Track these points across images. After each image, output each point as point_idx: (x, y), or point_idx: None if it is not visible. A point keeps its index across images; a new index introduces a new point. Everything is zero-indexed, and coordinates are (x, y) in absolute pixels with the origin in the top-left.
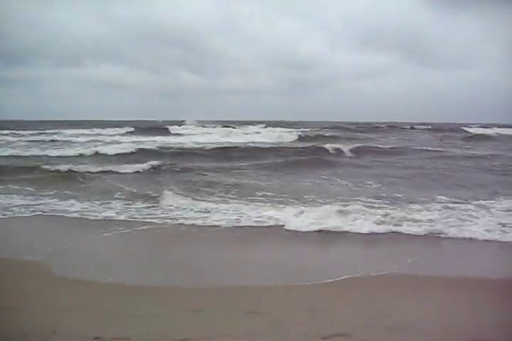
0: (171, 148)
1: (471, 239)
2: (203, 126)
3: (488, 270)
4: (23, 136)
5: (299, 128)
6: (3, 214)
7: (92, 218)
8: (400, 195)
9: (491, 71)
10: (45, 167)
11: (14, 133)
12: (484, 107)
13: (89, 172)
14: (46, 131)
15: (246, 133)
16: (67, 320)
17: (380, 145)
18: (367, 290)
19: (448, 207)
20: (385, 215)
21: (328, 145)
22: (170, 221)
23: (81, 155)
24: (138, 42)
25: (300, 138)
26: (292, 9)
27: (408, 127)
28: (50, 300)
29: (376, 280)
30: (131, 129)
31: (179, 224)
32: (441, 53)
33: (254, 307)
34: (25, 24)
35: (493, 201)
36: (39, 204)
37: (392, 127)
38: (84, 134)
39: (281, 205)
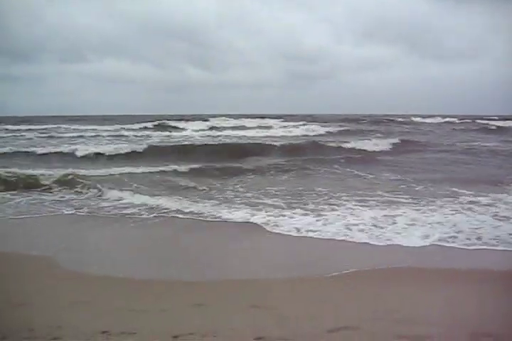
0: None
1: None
2: (203, 120)
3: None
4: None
5: (313, 121)
6: None
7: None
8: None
9: (496, 63)
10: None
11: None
12: (496, 100)
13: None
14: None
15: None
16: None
17: (402, 138)
18: (373, 284)
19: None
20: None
21: (352, 141)
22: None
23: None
24: (142, 37)
25: (327, 133)
26: (296, 2)
27: (430, 121)
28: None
29: (383, 274)
30: (156, 123)
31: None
32: (446, 45)
33: (260, 301)
34: (29, 20)
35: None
36: None
37: (408, 120)
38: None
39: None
